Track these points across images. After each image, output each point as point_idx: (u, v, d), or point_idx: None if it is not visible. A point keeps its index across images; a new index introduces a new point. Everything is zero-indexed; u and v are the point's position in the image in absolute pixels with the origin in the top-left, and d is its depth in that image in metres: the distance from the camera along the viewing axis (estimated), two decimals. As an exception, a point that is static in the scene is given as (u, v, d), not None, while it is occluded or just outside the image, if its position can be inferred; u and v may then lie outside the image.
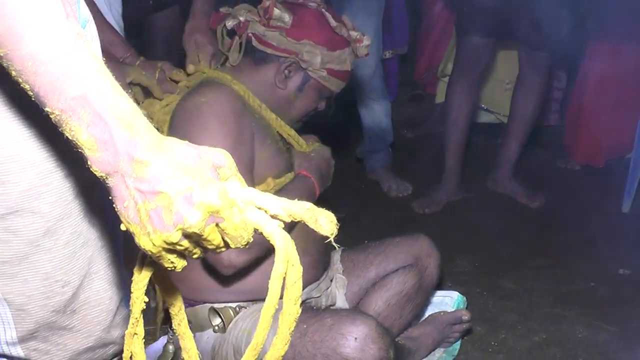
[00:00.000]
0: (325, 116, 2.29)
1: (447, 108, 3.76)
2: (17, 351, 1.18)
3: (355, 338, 1.87)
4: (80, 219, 1.13)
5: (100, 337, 1.26)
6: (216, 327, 2.02)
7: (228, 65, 2.17)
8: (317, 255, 2.18)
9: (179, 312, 1.09)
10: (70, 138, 0.86)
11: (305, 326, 1.93)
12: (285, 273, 0.95)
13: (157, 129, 2.01)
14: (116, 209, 0.89)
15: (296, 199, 1.98)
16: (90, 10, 2.10)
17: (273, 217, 0.93)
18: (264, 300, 2.04)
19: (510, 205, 3.74)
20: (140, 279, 1.00)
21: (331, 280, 2.29)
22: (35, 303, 1.14)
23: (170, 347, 2.04)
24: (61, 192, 1.08)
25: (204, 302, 2.04)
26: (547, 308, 2.81)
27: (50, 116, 0.86)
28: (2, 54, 0.84)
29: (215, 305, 2.03)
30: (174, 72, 2.21)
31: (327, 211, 0.96)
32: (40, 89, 0.84)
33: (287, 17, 2.07)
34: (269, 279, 1.95)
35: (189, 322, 2.02)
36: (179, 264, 0.93)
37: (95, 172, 0.87)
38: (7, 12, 0.82)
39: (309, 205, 0.95)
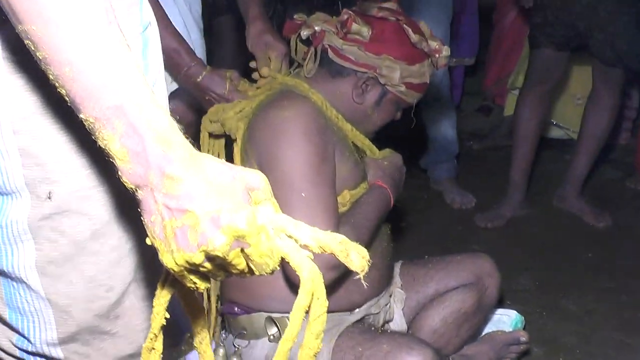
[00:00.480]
0: (391, 125, 2.27)
1: (515, 121, 3.71)
2: (57, 352, 1.18)
3: None
4: (128, 225, 1.13)
5: (142, 345, 1.26)
6: (272, 337, 2.02)
7: (302, 75, 2.15)
8: (383, 271, 2.17)
9: (201, 331, 1.06)
10: (102, 147, 0.85)
11: (360, 349, 1.92)
12: (310, 306, 0.92)
13: (229, 136, 2.02)
14: (144, 222, 0.87)
15: (374, 212, 1.98)
16: (155, 15, 2.12)
17: (303, 247, 0.90)
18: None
19: (576, 223, 3.66)
20: (163, 294, 0.98)
21: (390, 296, 2.27)
22: (78, 306, 1.14)
23: (221, 350, 2.05)
24: (110, 196, 1.08)
25: (260, 311, 2.04)
26: (609, 332, 2.75)
27: (84, 123, 0.84)
28: (40, 57, 0.83)
29: (273, 315, 2.03)
30: (241, 82, 2.19)
31: (359, 246, 0.93)
32: (76, 96, 0.83)
33: (365, 32, 2.04)
34: (333, 293, 1.95)
35: (244, 329, 2.05)
36: (202, 285, 0.91)
37: (125, 184, 0.86)
38: (48, 16, 0.81)
39: (341, 238, 0.91)
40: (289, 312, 2.07)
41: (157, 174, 0.83)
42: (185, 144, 0.85)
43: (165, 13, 2.20)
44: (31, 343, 1.17)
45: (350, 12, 2.08)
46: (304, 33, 2.12)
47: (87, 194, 1.07)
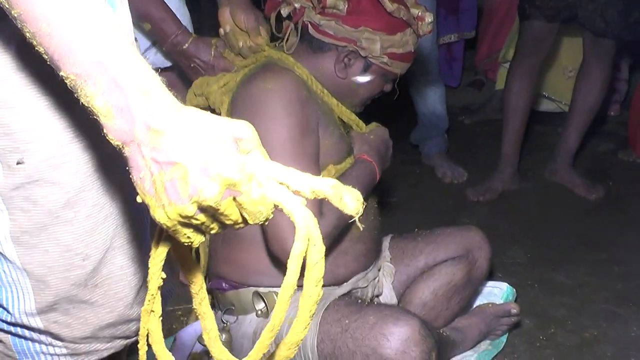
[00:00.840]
0: (379, 100, 2.25)
1: (506, 94, 3.69)
2: (37, 322, 1.18)
3: (397, 339, 1.84)
4: (102, 193, 1.11)
5: (122, 314, 1.24)
6: (259, 312, 2.02)
7: (282, 51, 2.13)
8: (370, 244, 2.16)
9: (199, 291, 1.03)
10: (85, 104, 0.83)
11: (347, 321, 1.91)
12: (306, 252, 0.89)
13: (214, 110, 2.01)
14: (133, 180, 0.86)
15: (359, 186, 1.97)
16: None
17: (295, 193, 0.88)
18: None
19: (567, 196, 3.65)
20: (157, 254, 0.96)
21: (379, 270, 2.26)
22: (55, 275, 1.14)
23: (224, 335, 2.04)
24: (81, 164, 1.07)
25: (249, 286, 2.03)
26: (601, 304, 2.74)
27: (65, 81, 0.83)
28: (16, 15, 0.81)
29: (260, 290, 2.02)
30: (226, 50, 2.18)
31: (353, 189, 0.90)
32: (55, 53, 0.81)
33: (341, 5, 2.02)
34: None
35: (232, 305, 2.04)
36: (196, 239, 0.89)
37: (111, 141, 0.84)
38: None
39: (334, 182, 0.89)
40: (276, 287, 2.08)
41: (142, 128, 0.82)
42: (170, 97, 0.84)
43: None
44: (10, 314, 1.17)
45: None
46: (284, 10, 2.10)
47: (58, 162, 1.06)
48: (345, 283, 2.08)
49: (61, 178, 1.07)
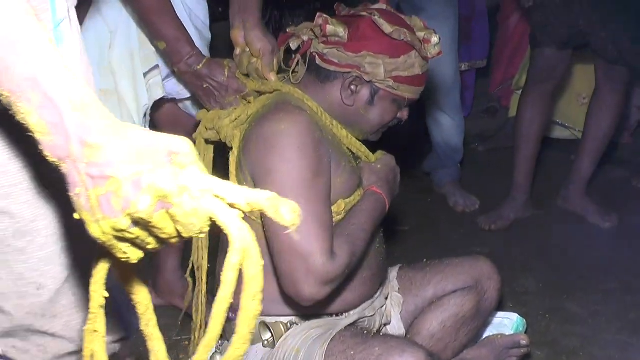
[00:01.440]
0: (390, 128, 2.24)
1: (517, 122, 3.68)
2: None
3: None
4: (57, 223, 1.11)
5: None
6: (265, 342, 2.01)
7: (291, 83, 2.13)
8: (375, 271, 2.15)
9: (146, 312, 1.02)
10: (21, 121, 0.84)
11: (352, 353, 1.90)
12: (243, 265, 0.88)
13: (225, 144, 2.01)
14: (70, 197, 0.86)
15: (370, 219, 1.96)
16: (162, 5, 2.06)
17: (232, 206, 0.87)
18: (319, 316, 2.03)
19: (580, 224, 3.63)
20: (97, 271, 0.96)
21: (386, 298, 2.25)
22: (9, 302, 1.14)
23: (218, 357, 2.04)
24: (31, 194, 1.07)
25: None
26: (613, 334, 2.72)
27: (0, 98, 0.84)
28: None
29: (267, 320, 2.02)
30: (238, 71, 2.18)
31: (289, 201, 0.89)
32: None
33: (341, 32, 2.03)
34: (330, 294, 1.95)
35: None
36: (133, 255, 0.89)
37: (48, 158, 0.85)
38: None
39: (270, 194, 0.88)
40: (282, 316, 2.08)
41: (77, 144, 0.83)
42: (104, 111, 0.85)
43: (169, 3, 2.20)
44: None
45: (323, 15, 2.06)
46: (293, 44, 2.11)
47: (7, 192, 1.06)
48: (352, 312, 2.08)
49: (11, 208, 1.07)
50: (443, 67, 3.60)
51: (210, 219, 0.86)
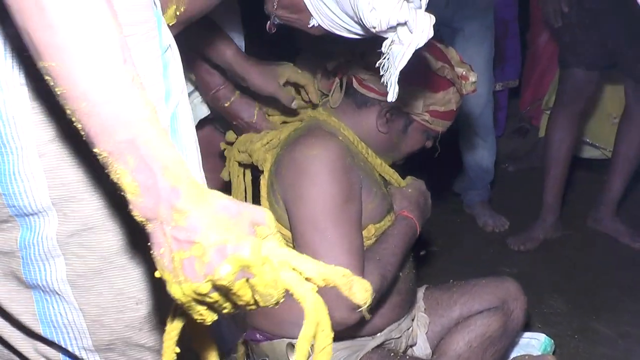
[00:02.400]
0: (421, 148, 2.26)
1: (547, 143, 3.69)
2: (95, 359, 1.22)
3: None
4: None
5: None
6: (292, 364, 2.04)
7: (328, 107, 2.14)
8: (405, 295, 2.18)
9: None
10: (115, 180, 0.89)
11: None
12: (315, 337, 0.94)
13: (257, 167, 2.02)
14: (153, 256, 0.91)
15: (401, 243, 1.97)
16: (211, 36, 2.01)
17: (307, 279, 0.92)
18: (346, 338, 2.04)
19: (611, 245, 3.61)
20: (172, 328, 1.01)
21: (412, 320, 2.27)
22: (109, 316, 1.18)
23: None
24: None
25: (283, 337, 2.05)
26: (643, 356, 2.70)
27: (98, 157, 0.89)
28: (59, 92, 0.87)
29: (294, 341, 2.03)
30: (269, 109, 2.19)
31: (362, 279, 0.95)
32: (91, 130, 0.87)
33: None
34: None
35: (266, 356, 2.06)
36: (209, 317, 0.94)
37: (135, 217, 0.90)
38: (66, 53, 0.85)
39: (345, 271, 0.94)
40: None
41: (166, 208, 0.88)
42: (193, 179, 0.90)
43: (221, 35, 2.17)
44: (70, 353, 1.21)
45: None
46: (330, 65, 2.12)
47: (112, 212, 1.10)
48: (378, 334, 2.10)
49: (115, 225, 1.12)
50: (478, 88, 3.61)
51: (287, 290, 0.91)
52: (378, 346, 2.08)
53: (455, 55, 2.14)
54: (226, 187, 2.26)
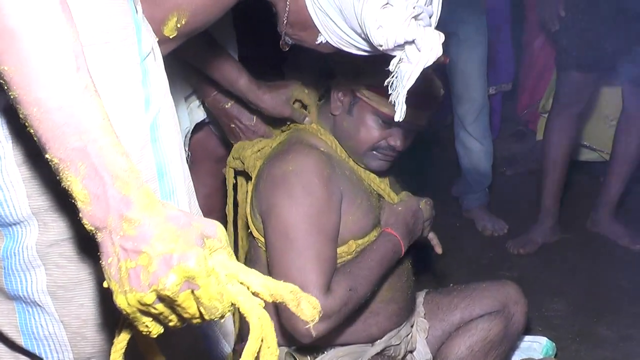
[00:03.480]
0: (420, 152, 2.22)
1: (544, 145, 3.69)
2: None
3: None
4: None
5: None
6: (292, 372, 2.03)
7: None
8: (402, 304, 2.17)
9: None
10: (66, 188, 0.88)
11: None
12: (259, 353, 0.93)
13: (249, 173, 2.02)
14: (102, 265, 0.90)
15: (379, 259, 1.95)
16: (220, 62, 2.04)
17: (255, 294, 0.92)
18: (345, 345, 2.02)
19: (610, 247, 3.61)
20: (119, 340, 1.01)
21: (412, 326, 2.26)
22: (90, 328, 1.17)
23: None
24: None
25: (280, 346, 2.04)
26: (644, 358, 2.70)
27: (50, 163, 0.88)
28: (12, 97, 0.87)
29: (292, 350, 2.03)
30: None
31: (311, 296, 0.94)
32: (42, 136, 0.87)
33: None
34: (351, 326, 1.94)
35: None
36: (154, 329, 0.93)
37: (85, 225, 0.89)
38: (21, 58, 0.85)
39: (293, 287, 0.93)
40: (307, 346, 2.07)
41: (115, 217, 0.87)
42: (145, 188, 0.89)
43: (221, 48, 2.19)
44: None
45: None
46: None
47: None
48: (378, 341, 2.09)
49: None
50: (472, 92, 3.62)
51: (233, 304, 0.90)
52: (378, 353, 2.07)
53: None
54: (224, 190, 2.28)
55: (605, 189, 3.72)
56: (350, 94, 2.01)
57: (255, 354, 0.92)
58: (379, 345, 2.08)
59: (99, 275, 1.13)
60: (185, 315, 0.90)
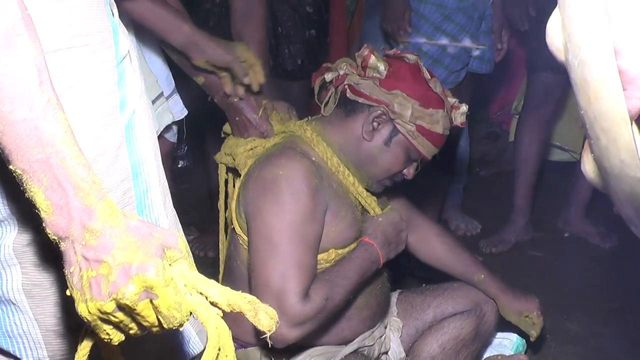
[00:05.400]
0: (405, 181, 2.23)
1: (516, 146, 3.74)
2: None
3: None
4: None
5: None
6: (267, 371, 2.05)
7: (319, 116, 2.16)
8: (375, 309, 2.20)
9: None
10: (29, 198, 0.91)
11: None
12: None
13: (238, 170, 2.06)
14: (64, 274, 0.93)
15: (354, 269, 1.98)
16: (166, 14, 2.12)
17: (213, 304, 0.95)
18: (319, 346, 2.04)
19: (581, 246, 3.68)
20: (82, 347, 1.03)
21: (385, 327, 2.29)
22: (64, 326, 1.19)
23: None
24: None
25: (256, 345, 2.07)
26: (614, 354, 2.75)
27: (13, 174, 0.91)
28: None
29: (267, 351, 2.06)
30: (274, 113, 2.25)
31: (268, 307, 0.98)
32: (6, 148, 0.89)
33: (382, 67, 2.04)
34: (324, 329, 1.96)
35: (239, 365, 2.07)
36: (115, 337, 0.95)
37: (48, 235, 0.92)
38: None
39: (251, 298, 0.97)
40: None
41: (77, 227, 0.90)
42: (106, 199, 0.92)
43: None
44: None
45: (370, 48, 2.09)
46: (328, 76, 2.13)
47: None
48: (350, 343, 2.12)
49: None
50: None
51: (191, 313, 0.94)
52: (351, 353, 2.10)
53: (440, 87, 2.11)
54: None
55: (577, 189, 3.77)
56: (389, 125, 2.05)
57: None
58: (353, 345, 2.11)
59: None
60: (145, 324, 0.93)
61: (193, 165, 4.69)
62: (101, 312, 0.91)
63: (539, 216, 3.84)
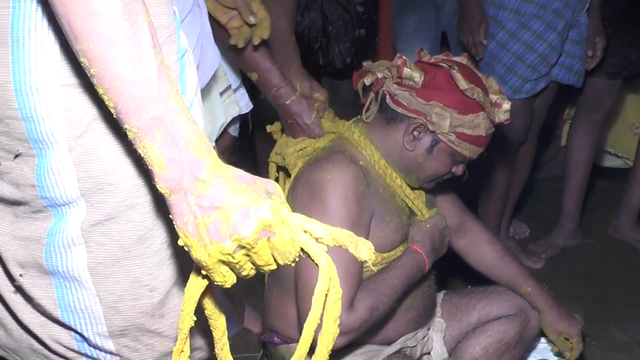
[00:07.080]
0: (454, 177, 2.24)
1: (567, 150, 3.73)
2: (109, 345, 1.29)
3: None
4: (170, 231, 1.23)
5: None
6: (309, 369, 2.07)
7: (360, 121, 2.17)
8: (422, 312, 2.21)
9: (222, 337, 1.16)
10: (142, 155, 0.98)
11: None
12: (327, 292, 1.04)
13: (288, 170, 2.09)
14: (175, 225, 0.99)
15: (402, 276, 1.99)
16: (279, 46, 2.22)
17: (318, 239, 1.03)
18: (362, 345, 2.07)
19: (630, 253, 3.65)
20: (191, 295, 1.09)
21: (428, 329, 2.30)
22: (124, 303, 1.25)
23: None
24: (153, 205, 1.19)
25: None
26: (659, 363, 2.73)
27: (128, 133, 0.98)
28: (94, 73, 0.96)
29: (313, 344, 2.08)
30: (326, 113, 2.26)
31: (367, 240, 1.05)
32: (123, 107, 0.96)
33: (417, 77, 2.03)
34: (368, 329, 1.98)
35: (283, 359, 2.11)
36: (230, 278, 1.01)
37: (160, 189, 0.98)
38: (105, 38, 0.94)
39: (350, 233, 1.05)
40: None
41: (190, 179, 0.97)
42: (213, 153, 1.00)
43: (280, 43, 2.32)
44: (85, 338, 1.28)
45: (403, 56, 2.07)
46: (367, 80, 2.14)
47: (133, 203, 1.18)
48: (394, 343, 2.14)
49: (135, 217, 1.19)
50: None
51: (302, 249, 1.02)
52: (394, 354, 2.12)
53: (494, 85, 2.12)
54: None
55: (628, 196, 3.76)
56: (429, 135, 2.06)
57: (326, 292, 1.04)
58: (395, 346, 2.12)
59: (137, 253, 1.22)
60: (260, 263, 1.00)
61: (242, 160, 4.74)
62: (222, 254, 0.97)
63: (588, 222, 3.82)
